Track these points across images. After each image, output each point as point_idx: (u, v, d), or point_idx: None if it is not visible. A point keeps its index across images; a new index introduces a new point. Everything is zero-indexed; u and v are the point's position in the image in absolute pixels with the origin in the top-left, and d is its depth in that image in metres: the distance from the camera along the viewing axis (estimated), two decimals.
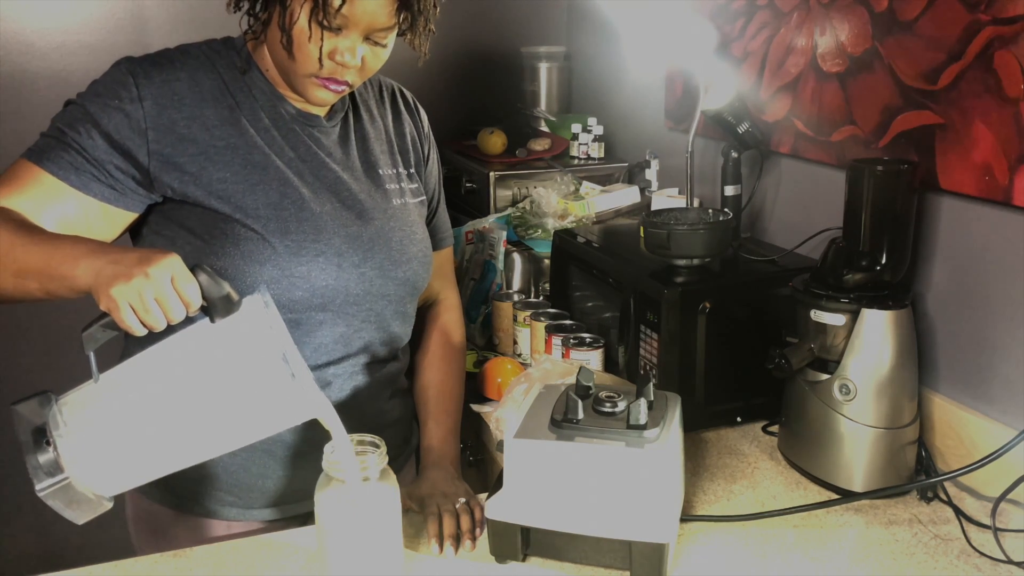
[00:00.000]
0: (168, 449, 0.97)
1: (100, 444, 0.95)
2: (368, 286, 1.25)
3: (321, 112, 1.28)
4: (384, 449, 1.02)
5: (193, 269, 0.93)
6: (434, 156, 1.46)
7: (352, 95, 1.34)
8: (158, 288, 0.91)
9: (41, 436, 0.93)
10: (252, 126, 1.22)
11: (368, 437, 1.03)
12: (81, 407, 0.95)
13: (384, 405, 1.35)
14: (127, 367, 0.97)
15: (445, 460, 1.31)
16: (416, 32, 1.21)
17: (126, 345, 1.25)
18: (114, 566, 1.13)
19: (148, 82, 1.17)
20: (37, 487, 0.93)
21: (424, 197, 1.40)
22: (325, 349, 1.24)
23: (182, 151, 1.17)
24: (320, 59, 1.14)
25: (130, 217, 1.20)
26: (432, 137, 1.46)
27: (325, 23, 1.12)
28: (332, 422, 0.98)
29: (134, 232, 1.25)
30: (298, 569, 1.12)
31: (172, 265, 0.92)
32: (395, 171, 1.34)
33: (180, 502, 1.28)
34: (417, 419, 1.41)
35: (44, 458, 0.92)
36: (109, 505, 0.97)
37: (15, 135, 2.24)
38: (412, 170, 1.38)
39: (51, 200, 1.13)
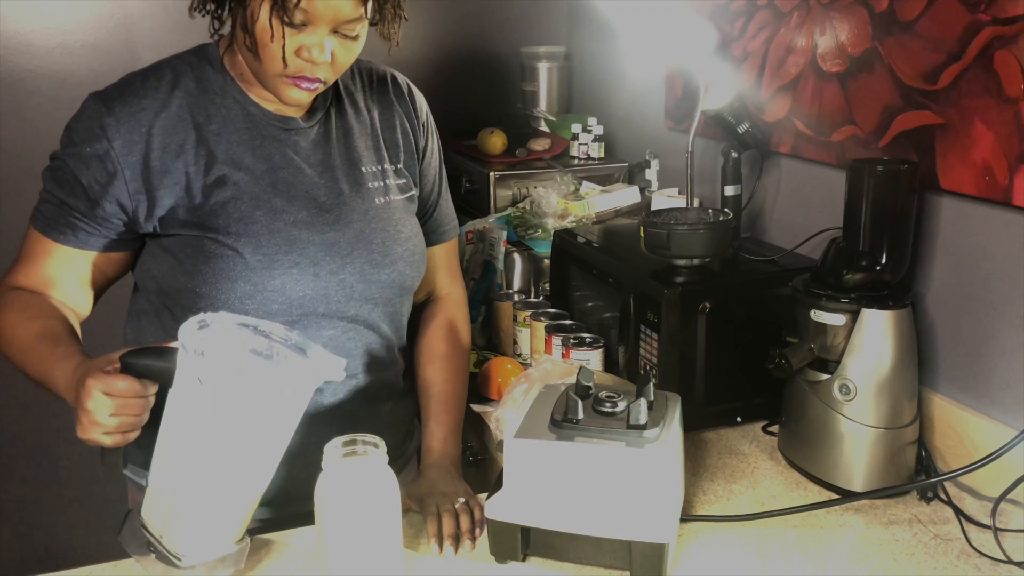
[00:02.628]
0: (241, 490, 1.03)
1: (188, 527, 1.02)
2: (349, 292, 1.24)
3: (298, 113, 1.26)
4: (384, 448, 1.02)
5: (123, 365, 0.99)
6: (433, 145, 1.41)
7: (336, 86, 1.31)
8: (108, 410, 0.99)
9: (148, 549, 1.03)
10: (224, 140, 1.21)
11: (369, 437, 1.03)
12: (154, 510, 1.04)
13: (381, 408, 1.34)
14: (158, 460, 1.02)
15: (446, 460, 1.31)
16: (385, 20, 1.18)
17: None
18: (114, 566, 1.13)
19: (115, 121, 1.17)
20: (235, 569, 1.06)
21: (415, 191, 1.36)
22: None
23: (157, 184, 1.19)
24: (283, 57, 1.12)
25: (133, 253, 1.27)
26: (432, 124, 1.41)
27: (286, 19, 1.10)
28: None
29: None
30: (298, 569, 1.12)
31: (99, 386, 0.98)
32: (379, 168, 1.31)
33: None
34: (419, 419, 1.41)
35: (160, 567, 1.02)
36: (245, 545, 1.07)
37: (15, 135, 2.24)
38: (400, 165, 1.34)
39: (64, 267, 1.23)
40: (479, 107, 2.57)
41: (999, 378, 1.27)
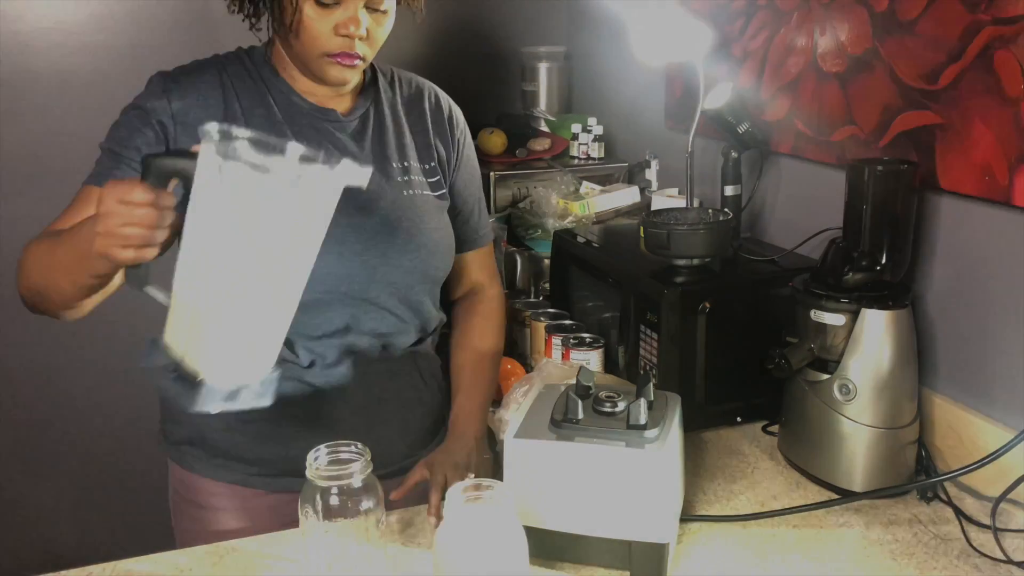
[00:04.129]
0: (265, 303, 0.96)
1: (211, 343, 0.95)
2: (372, 273, 1.28)
3: (339, 108, 1.32)
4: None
5: (144, 164, 0.95)
6: (467, 155, 1.46)
7: (377, 90, 1.38)
8: (122, 219, 0.94)
9: (169, 372, 0.97)
10: (268, 124, 1.27)
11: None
12: (176, 330, 0.97)
13: (407, 392, 1.38)
14: (181, 274, 0.95)
15: (468, 433, 1.34)
16: None
17: None
18: (113, 566, 1.13)
19: (176, 85, 1.26)
20: (259, 405, 0.98)
21: (444, 191, 1.41)
22: (337, 332, 1.28)
23: None
24: (325, 35, 1.20)
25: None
26: (467, 141, 1.47)
27: None
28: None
29: None
30: (298, 569, 1.13)
31: (114, 194, 0.95)
32: (406, 164, 1.37)
33: (214, 472, 1.34)
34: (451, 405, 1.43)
35: (220, 392, 0.96)
36: (272, 379, 0.99)
37: (15, 135, 2.24)
38: (428, 166, 1.40)
39: None
40: (479, 107, 2.56)
41: (999, 378, 1.27)
